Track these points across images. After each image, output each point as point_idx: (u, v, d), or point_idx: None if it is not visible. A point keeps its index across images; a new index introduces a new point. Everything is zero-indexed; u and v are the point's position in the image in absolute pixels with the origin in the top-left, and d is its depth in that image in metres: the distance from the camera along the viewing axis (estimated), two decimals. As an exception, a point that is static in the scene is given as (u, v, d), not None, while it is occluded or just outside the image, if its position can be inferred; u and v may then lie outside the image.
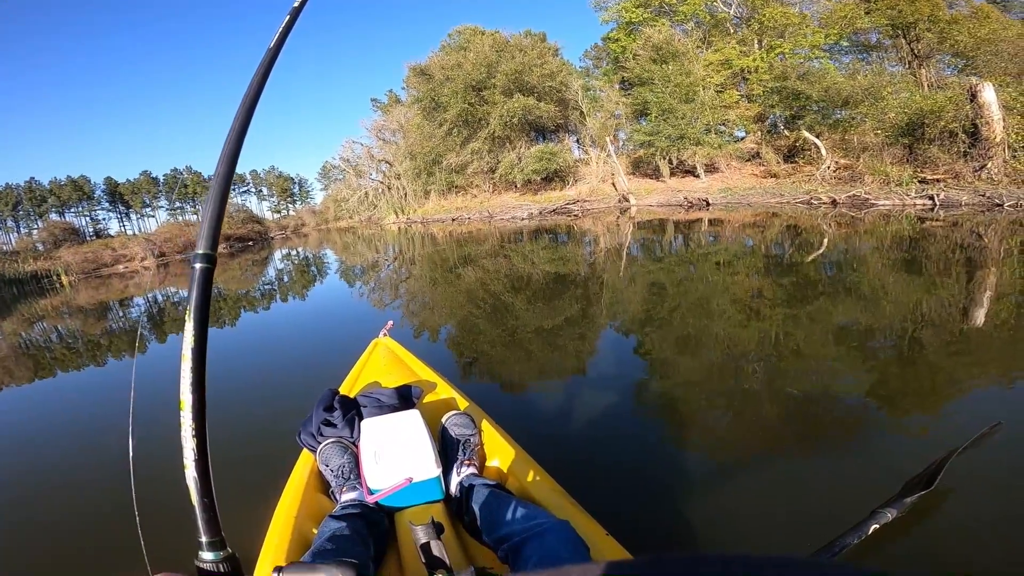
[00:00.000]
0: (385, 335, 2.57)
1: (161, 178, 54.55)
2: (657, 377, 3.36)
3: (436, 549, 1.07)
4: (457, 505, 1.37)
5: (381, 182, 34.80)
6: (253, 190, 61.04)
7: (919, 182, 12.59)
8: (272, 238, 41.05)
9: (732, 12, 21.64)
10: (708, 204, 15.39)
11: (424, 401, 1.91)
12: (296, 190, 63.26)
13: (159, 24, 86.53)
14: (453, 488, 1.42)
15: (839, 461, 2.12)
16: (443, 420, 1.61)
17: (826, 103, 16.95)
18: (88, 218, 50.50)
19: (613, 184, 20.63)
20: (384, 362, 2.31)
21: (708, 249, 8.89)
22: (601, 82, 24.73)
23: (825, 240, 8.59)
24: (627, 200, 18.20)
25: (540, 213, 19.53)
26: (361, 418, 1.65)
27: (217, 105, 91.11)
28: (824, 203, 13.09)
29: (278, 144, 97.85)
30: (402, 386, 1.89)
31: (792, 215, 12.04)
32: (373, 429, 1.51)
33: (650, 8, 22.28)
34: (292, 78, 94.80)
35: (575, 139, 26.32)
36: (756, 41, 20.69)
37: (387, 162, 33.38)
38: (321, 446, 1.55)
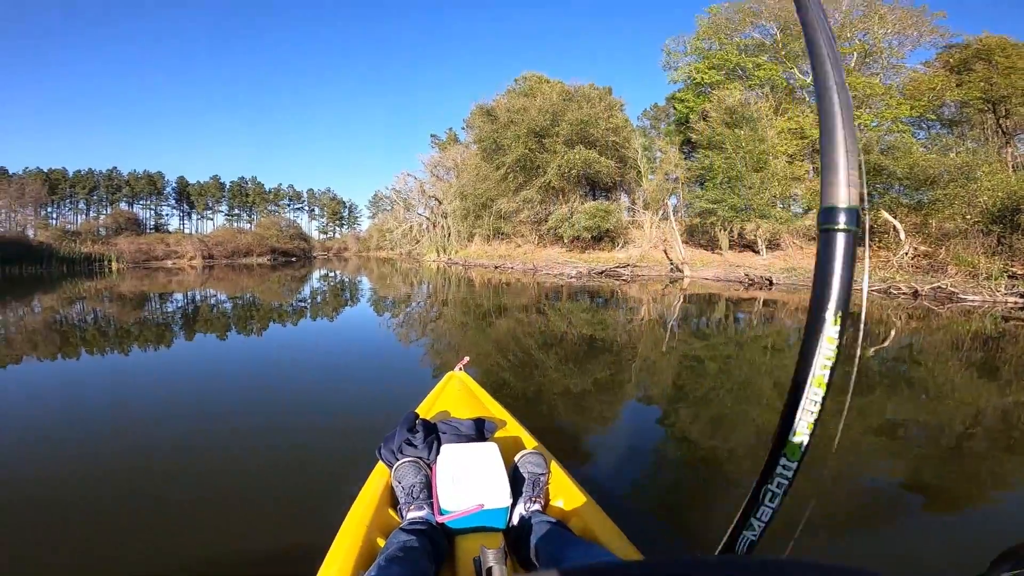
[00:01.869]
0: (460, 369, 2.70)
1: (228, 184, 57.43)
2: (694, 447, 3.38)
3: (498, 574, 1.13)
4: (515, 536, 1.43)
5: (428, 218, 35.30)
6: (307, 208, 63.37)
7: (1008, 276, 11.37)
8: (315, 257, 42.09)
9: (810, 80, 21.01)
10: (771, 284, 14.28)
11: (497, 435, 1.98)
12: (346, 214, 65.31)
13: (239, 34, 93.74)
14: (515, 519, 1.49)
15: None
16: (517, 457, 1.67)
17: (909, 182, 15.68)
18: (153, 211, 53.12)
19: (665, 252, 19.78)
20: (458, 394, 2.44)
21: (761, 331, 8.25)
22: (663, 142, 24.37)
23: (892, 332, 7.85)
24: (680, 271, 17.26)
25: (589, 273, 18.52)
26: (440, 443, 1.75)
27: (283, 122, 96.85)
28: (904, 294, 11.87)
29: (338, 167, 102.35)
30: (477, 419, 1.96)
31: (861, 304, 10.95)
32: (453, 455, 1.63)
33: (722, 71, 21.90)
34: (362, 106, 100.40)
35: (628, 200, 25.79)
36: (832, 114, 19.96)
37: (437, 199, 33.89)
38: (398, 463, 1.65)
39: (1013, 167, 17.18)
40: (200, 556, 1.96)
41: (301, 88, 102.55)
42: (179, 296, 13.32)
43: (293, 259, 39.01)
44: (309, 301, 12.81)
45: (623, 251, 20.83)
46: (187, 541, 2.08)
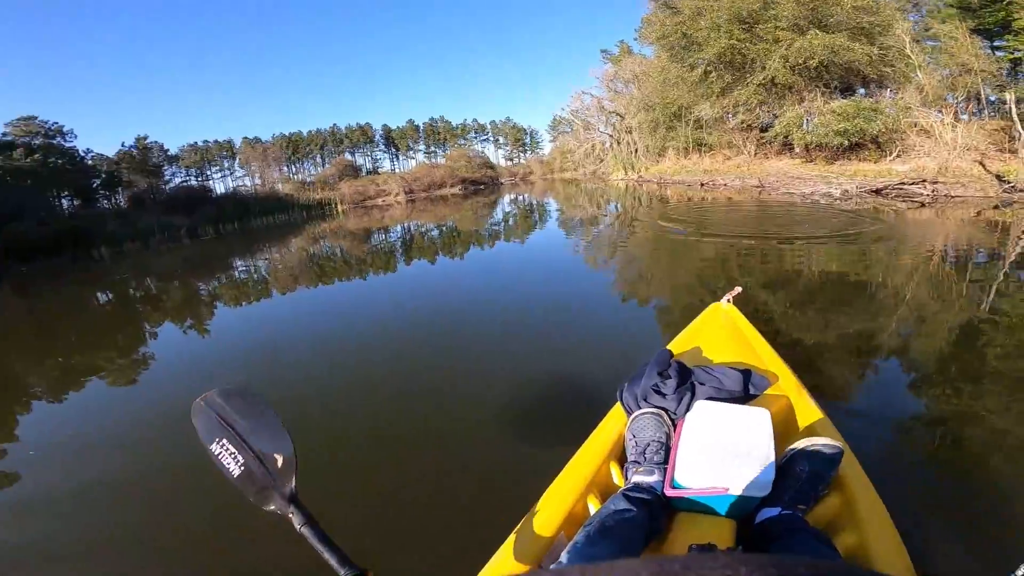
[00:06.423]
0: (728, 302, 2.06)
1: (421, 126, 59.32)
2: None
3: None
4: (753, 537, 0.99)
5: (610, 135, 30.82)
6: (491, 139, 62.93)
7: None
8: (502, 183, 41.13)
9: None
10: None
11: (767, 394, 1.38)
12: (527, 140, 63.37)
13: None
14: (761, 515, 1.02)
15: None
16: (803, 443, 1.10)
17: None
18: (370, 157, 57.87)
19: (982, 163, 12.62)
20: (723, 333, 1.83)
21: None
22: (948, 26, 15.58)
23: None
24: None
25: (858, 191, 12.68)
26: (694, 395, 1.31)
27: (467, 62, 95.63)
28: None
29: (515, 98, 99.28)
30: (745, 370, 1.42)
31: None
32: (709, 415, 1.19)
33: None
34: (532, 32, 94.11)
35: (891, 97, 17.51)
36: None
37: (618, 114, 29.27)
38: (639, 412, 1.29)
39: None
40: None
41: (471, 29, 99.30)
42: (397, 228, 14.43)
43: (482, 187, 38.48)
44: (501, 225, 12.90)
45: (900, 162, 14.12)
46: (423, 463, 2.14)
